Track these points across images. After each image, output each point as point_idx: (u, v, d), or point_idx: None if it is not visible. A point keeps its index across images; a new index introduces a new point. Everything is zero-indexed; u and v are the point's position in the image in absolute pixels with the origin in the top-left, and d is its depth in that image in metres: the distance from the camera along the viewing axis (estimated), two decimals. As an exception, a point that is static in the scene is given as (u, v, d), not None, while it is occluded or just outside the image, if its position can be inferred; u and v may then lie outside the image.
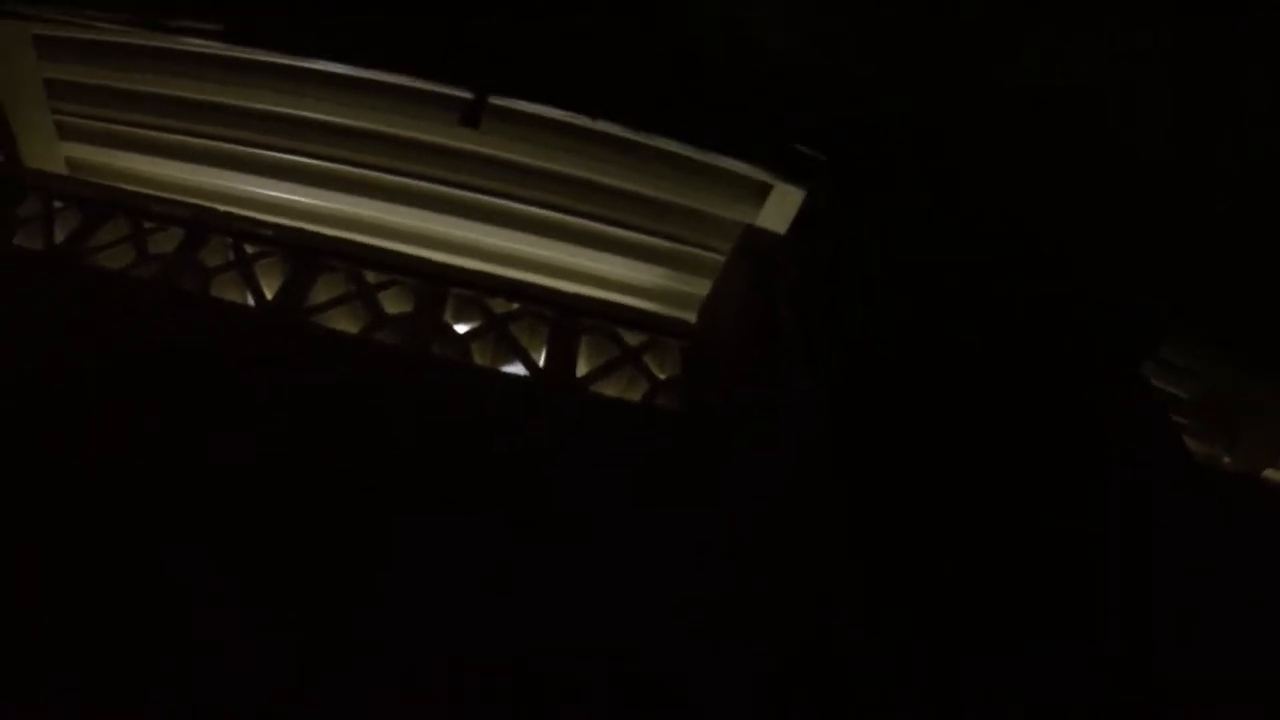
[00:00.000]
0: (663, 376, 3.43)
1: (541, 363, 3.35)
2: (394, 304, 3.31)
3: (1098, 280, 2.40)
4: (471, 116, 3.23)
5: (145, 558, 1.87)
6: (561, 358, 3.38)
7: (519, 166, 3.45)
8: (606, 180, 3.44)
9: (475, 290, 3.36)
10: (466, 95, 3.23)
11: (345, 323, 3.23)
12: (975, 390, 2.45)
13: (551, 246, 3.60)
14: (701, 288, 3.70)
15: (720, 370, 3.19)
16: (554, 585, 2.19)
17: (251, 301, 3.20)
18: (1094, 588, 2.33)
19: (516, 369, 3.33)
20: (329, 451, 2.34)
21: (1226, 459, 4.13)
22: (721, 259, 3.63)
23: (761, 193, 3.43)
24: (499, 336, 3.34)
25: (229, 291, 3.27)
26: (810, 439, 2.50)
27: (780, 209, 3.29)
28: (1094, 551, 2.40)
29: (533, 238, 3.59)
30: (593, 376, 3.38)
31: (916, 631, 2.06)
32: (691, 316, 3.64)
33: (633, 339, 3.48)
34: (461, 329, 3.35)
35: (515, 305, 3.42)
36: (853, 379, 2.51)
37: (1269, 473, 4.20)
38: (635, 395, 3.39)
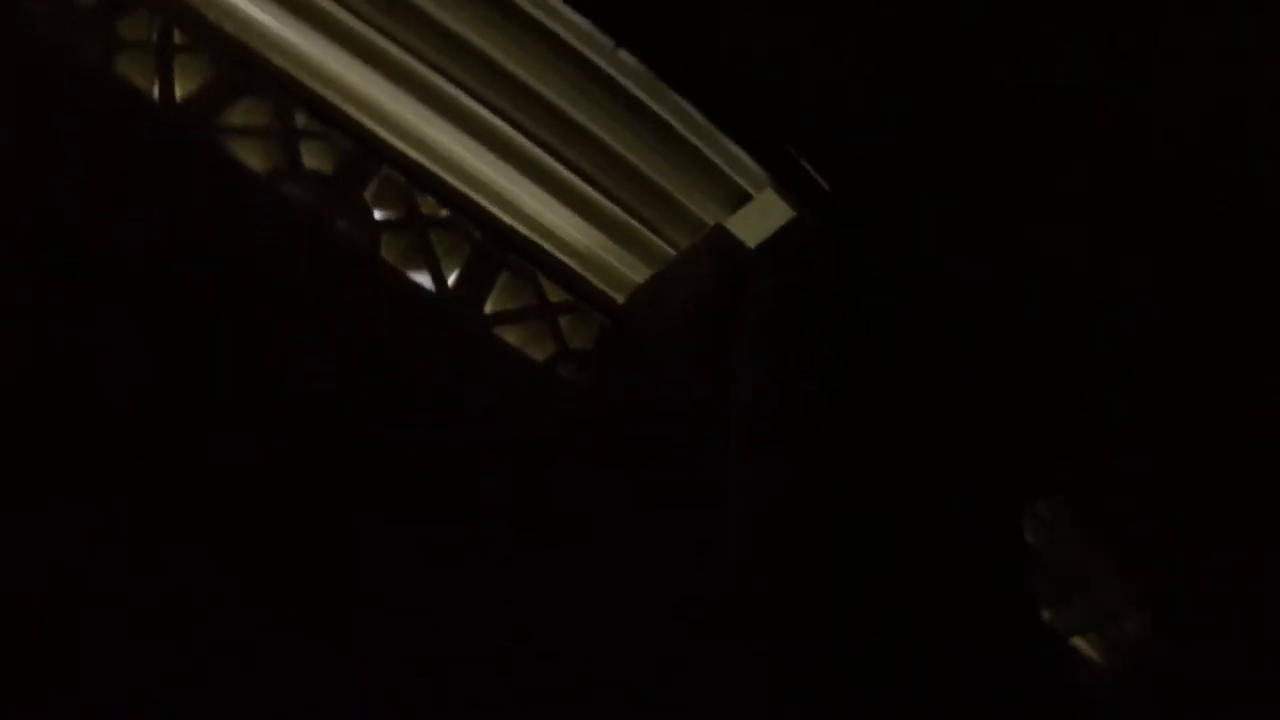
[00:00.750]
0: (573, 345, 3.14)
1: (451, 283, 3.01)
2: (314, 158, 2.90)
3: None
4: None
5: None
6: (474, 285, 3.05)
7: (509, 76, 3.11)
8: (593, 127, 3.14)
9: (407, 178, 2.99)
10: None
11: (253, 157, 2.79)
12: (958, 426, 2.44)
13: (504, 170, 3.25)
14: (636, 271, 3.46)
15: (655, 359, 2.94)
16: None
17: (156, 93, 2.73)
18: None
19: (423, 279, 2.98)
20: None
21: (1045, 614, 4.19)
22: (671, 251, 3.40)
23: (737, 200, 3.22)
24: (416, 238, 2.97)
25: (136, 74, 2.78)
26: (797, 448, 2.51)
27: (759, 222, 3.08)
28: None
29: (488, 153, 3.22)
30: (500, 317, 3.06)
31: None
32: (618, 295, 3.39)
33: (554, 295, 3.17)
34: (377, 215, 2.97)
35: (444, 212, 3.06)
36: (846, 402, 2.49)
37: (1077, 640, 4.29)
38: (538, 353, 3.09)
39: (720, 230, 3.10)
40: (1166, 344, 2.35)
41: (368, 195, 2.94)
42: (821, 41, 2.55)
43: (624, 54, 2.72)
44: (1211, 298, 2.29)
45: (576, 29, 2.81)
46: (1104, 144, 2.31)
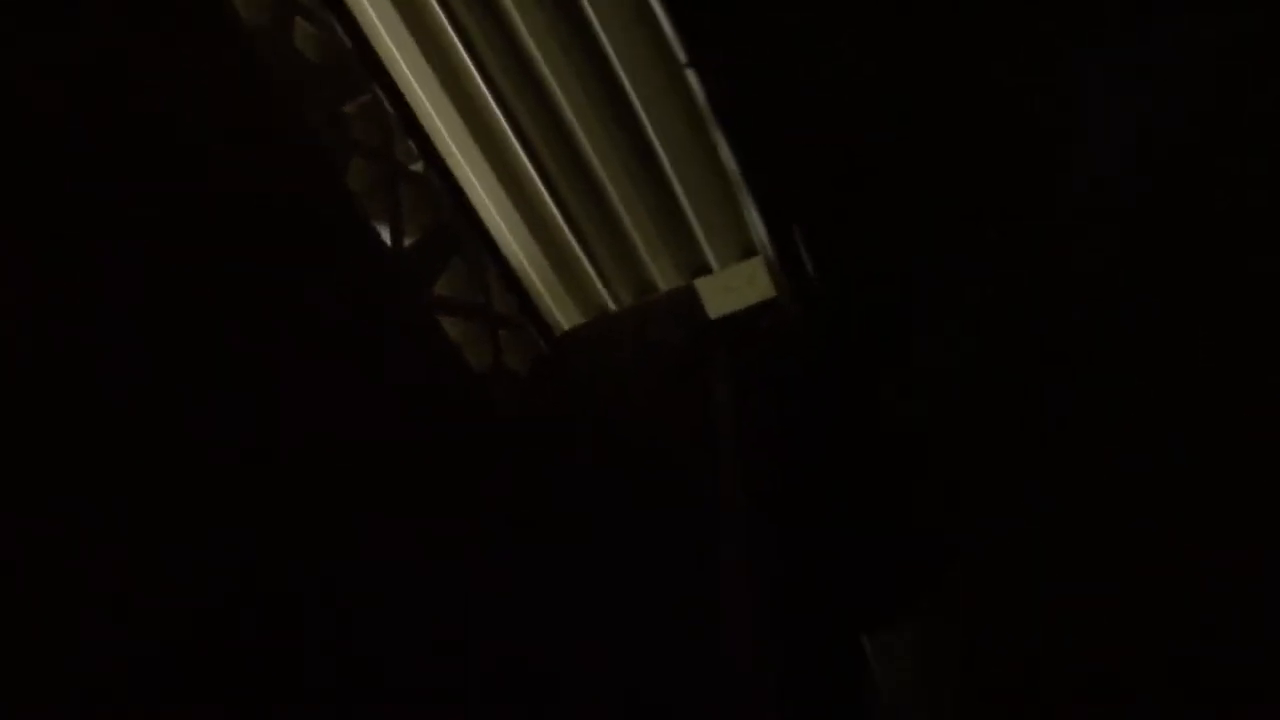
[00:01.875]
0: (508, 363, 2.67)
1: (406, 244, 2.46)
2: (305, 41, 2.31)
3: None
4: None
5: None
6: (428, 256, 2.52)
7: (544, 94, 2.79)
8: (591, 155, 2.87)
9: (395, 111, 2.48)
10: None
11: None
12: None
13: (482, 166, 2.83)
14: (566, 313, 3.12)
15: (595, 401, 2.57)
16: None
17: None
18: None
19: (381, 230, 2.40)
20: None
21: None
22: (611, 304, 3.13)
23: (693, 270, 3.09)
24: (387, 173, 2.42)
25: None
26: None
27: (722, 295, 2.94)
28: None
29: (472, 140, 2.81)
30: (444, 303, 2.53)
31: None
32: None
33: (502, 305, 2.72)
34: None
35: (419, 166, 2.56)
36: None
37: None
38: (474, 357, 2.57)
39: (687, 292, 2.91)
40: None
41: (349, 109, 2.39)
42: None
43: (690, 74, 2.54)
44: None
45: (648, 35, 2.61)
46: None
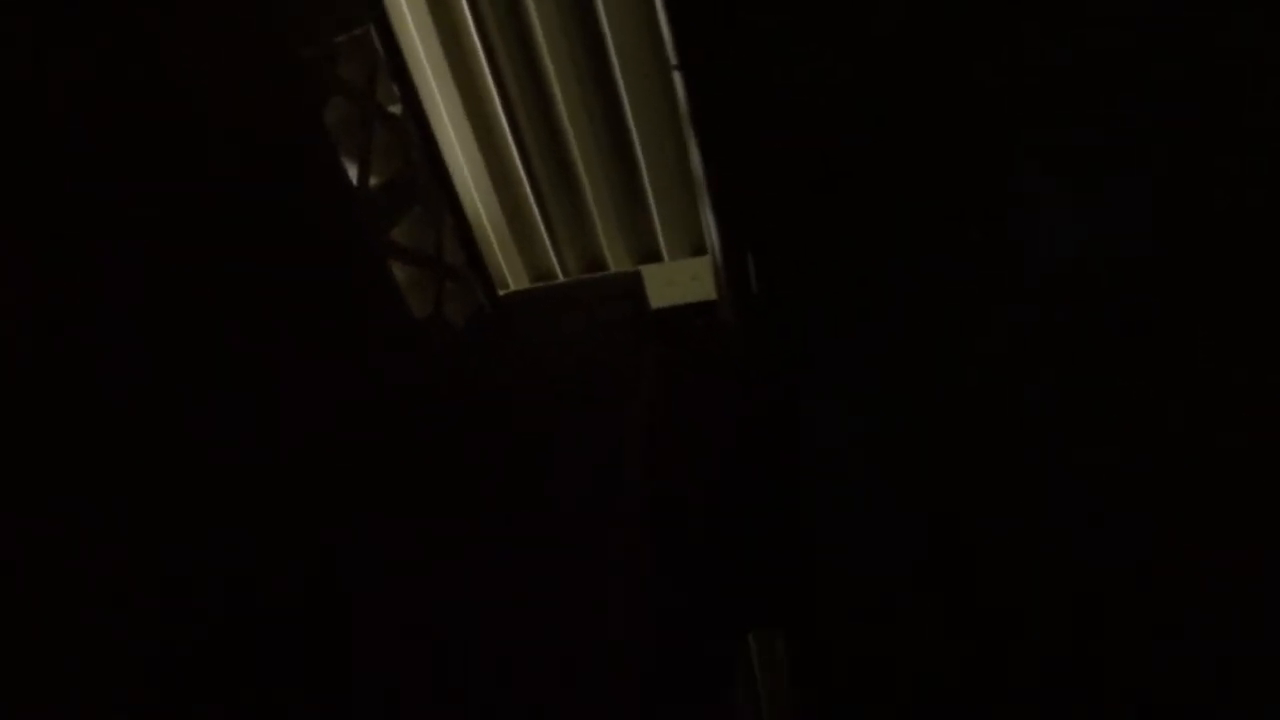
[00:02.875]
0: (447, 314, 2.70)
1: (371, 185, 2.45)
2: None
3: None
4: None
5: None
6: (389, 200, 2.51)
7: (535, 61, 2.75)
8: (568, 126, 2.88)
9: (385, 52, 2.43)
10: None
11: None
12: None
13: (464, 128, 2.81)
14: (514, 273, 3.15)
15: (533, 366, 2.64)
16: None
17: None
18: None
19: (351, 166, 2.38)
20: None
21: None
22: (559, 274, 3.18)
23: (645, 255, 3.15)
24: (363, 111, 2.39)
25: None
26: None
27: (663, 288, 3.02)
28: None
29: (459, 98, 2.77)
30: (397, 249, 2.54)
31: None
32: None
33: (453, 257, 2.73)
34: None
35: (397, 109, 2.52)
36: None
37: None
38: (417, 306, 2.60)
39: (634, 277, 2.98)
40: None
41: (340, 40, 2.33)
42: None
43: (677, 76, 2.57)
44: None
45: (646, 29, 2.61)
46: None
